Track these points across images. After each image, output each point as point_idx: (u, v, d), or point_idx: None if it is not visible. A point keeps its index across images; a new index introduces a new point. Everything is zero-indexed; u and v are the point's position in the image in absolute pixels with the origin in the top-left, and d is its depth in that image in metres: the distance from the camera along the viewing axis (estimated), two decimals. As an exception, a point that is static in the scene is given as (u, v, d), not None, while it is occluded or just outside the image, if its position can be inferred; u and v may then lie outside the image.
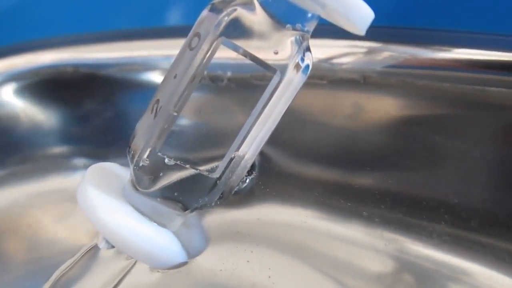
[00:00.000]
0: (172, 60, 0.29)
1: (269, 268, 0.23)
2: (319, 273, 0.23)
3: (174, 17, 0.30)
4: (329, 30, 0.20)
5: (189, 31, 0.27)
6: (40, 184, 0.30)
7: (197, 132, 0.23)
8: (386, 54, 0.22)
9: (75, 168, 0.30)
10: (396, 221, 0.23)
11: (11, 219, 0.29)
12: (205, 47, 0.17)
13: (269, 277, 0.23)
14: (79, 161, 0.30)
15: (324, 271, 0.23)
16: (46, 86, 0.30)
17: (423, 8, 0.23)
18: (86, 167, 0.30)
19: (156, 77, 0.29)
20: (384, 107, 0.23)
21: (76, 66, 0.29)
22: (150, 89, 0.29)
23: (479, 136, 0.22)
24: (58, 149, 0.30)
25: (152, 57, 0.29)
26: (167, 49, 0.29)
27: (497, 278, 0.21)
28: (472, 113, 0.22)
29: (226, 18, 0.17)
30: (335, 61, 0.23)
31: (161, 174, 0.19)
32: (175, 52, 0.29)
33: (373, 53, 0.23)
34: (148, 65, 0.29)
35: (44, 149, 0.30)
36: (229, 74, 0.25)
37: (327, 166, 0.25)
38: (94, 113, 0.30)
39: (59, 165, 0.30)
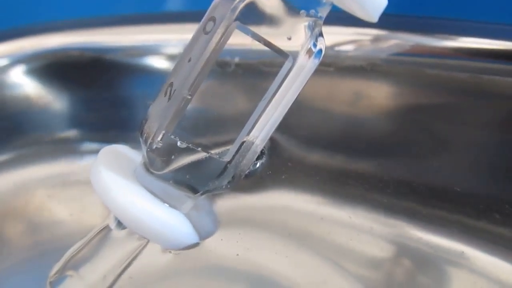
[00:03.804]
0: (172, 45, 0.29)
1: (275, 253, 0.23)
2: (321, 258, 0.23)
3: (176, 2, 0.30)
4: (336, 17, 0.20)
5: (192, 16, 0.27)
6: (46, 167, 0.30)
7: (208, 116, 0.23)
8: (392, 42, 0.23)
9: (81, 152, 0.30)
10: (396, 207, 0.23)
11: (18, 201, 0.29)
12: (220, 31, 0.17)
13: (275, 261, 0.23)
14: (86, 145, 0.30)
15: (326, 256, 0.23)
16: (53, 70, 0.30)
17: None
18: (92, 151, 0.30)
19: (159, 62, 0.29)
20: (390, 94, 0.24)
21: (82, 50, 0.30)
22: (154, 73, 0.29)
23: (483, 124, 0.22)
24: (65, 133, 0.31)
25: (157, 42, 0.29)
26: (171, 33, 0.29)
27: (494, 262, 0.21)
28: (477, 101, 0.22)
29: (241, 3, 0.17)
30: (342, 48, 0.24)
31: (173, 157, 0.19)
32: (179, 36, 0.29)
33: (380, 40, 0.23)
34: (152, 50, 0.29)
35: (51, 132, 0.30)
36: (236, 60, 0.25)
37: (332, 152, 0.25)
38: (100, 97, 0.30)
39: (66, 148, 0.30)
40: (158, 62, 0.29)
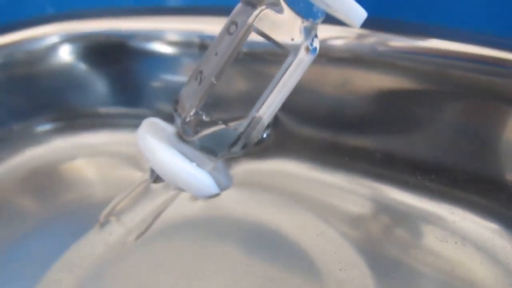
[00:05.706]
0: (175, 33, 0.32)
1: (277, 209, 0.27)
2: (311, 214, 0.26)
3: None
4: (327, 19, 0.24)
5: (195, 11, 0.31)
6: (82, 138, 0.34)
7: (222, 95, 0.28)
8: (372, 39, 0.26)
9: (111, 125, 0.34)
10: (377, 173, 0.27)
11: (57, 166, 0.32)
12: (241, 33, 0.22)
13: (276, 215, 0.27)
14: (112, 120, 0.34)
15: (316, 212, 0.26)
16: (87, 51, 0.33)
17: (405, 5, 0.26)
18: (123, 125, 0.33)
19: (163, 48, 0.32)
20: (370, 80, 0.27)
21: (108, 36, 0.33)
22: (159, 58, 0.33)
23: (445, 107, 0.25)
24: (98, 107, 0.34)
25: (161, 30, 0.32)
26: (175, 23, 0.32)
27: (460, 220, 0.24)
28: (440, 89, 0.25)
29: (259, 12, 0.22)
30: (332, 42, 0.27)
31: (199, 128, 0.24)
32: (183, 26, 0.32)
33: (363, 38, 0.26)
34: (161, 37, 0.32)
35: (87, 107, 0.34)
36: (245, 50, 0.29)
37: (323, 127, 0.29)
38: (123, 76, 0.34)
39: (101, 122, 0.34)
40: (162, 48, 0.32)
